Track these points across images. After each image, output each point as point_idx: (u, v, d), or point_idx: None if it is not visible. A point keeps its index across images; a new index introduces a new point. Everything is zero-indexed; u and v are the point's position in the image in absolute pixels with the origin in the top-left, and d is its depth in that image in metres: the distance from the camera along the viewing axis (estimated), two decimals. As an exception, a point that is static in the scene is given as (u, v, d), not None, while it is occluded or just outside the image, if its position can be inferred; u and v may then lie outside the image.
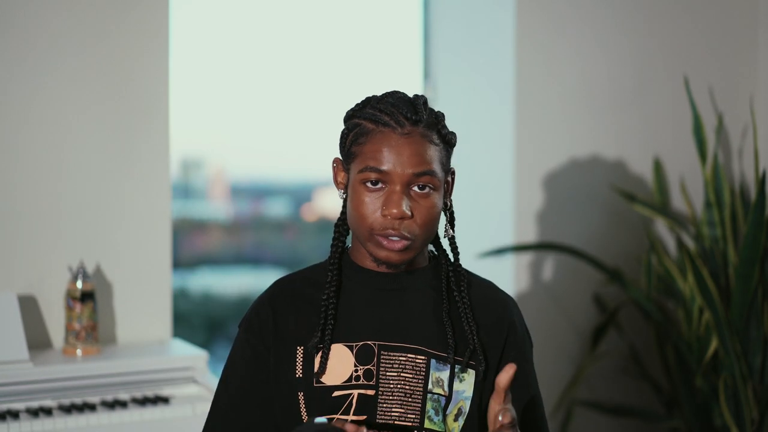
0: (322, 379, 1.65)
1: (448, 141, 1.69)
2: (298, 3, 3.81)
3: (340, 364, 1.65)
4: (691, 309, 2.99)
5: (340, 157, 1.72)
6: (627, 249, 3.37)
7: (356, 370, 1.65)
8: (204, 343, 3.54)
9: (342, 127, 1.72)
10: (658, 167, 3.36)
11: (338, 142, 1.72)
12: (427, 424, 1.64)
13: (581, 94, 3.30)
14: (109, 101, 2.65)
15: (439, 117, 1.68)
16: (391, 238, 1.62)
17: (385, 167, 1.62)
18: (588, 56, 3.30)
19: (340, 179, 1.72)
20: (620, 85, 3.36)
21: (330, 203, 4.07)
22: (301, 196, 4.22)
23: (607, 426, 3.36)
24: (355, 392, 1.64)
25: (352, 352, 1.66)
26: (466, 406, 1.67)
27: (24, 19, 2.54)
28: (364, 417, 1.63)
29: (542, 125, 3.23)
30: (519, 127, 3.18)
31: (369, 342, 1.67)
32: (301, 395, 1.65)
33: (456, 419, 1.67)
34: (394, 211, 1.61)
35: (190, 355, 2.56)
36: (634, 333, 3.36)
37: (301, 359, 1.66)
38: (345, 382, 1.65)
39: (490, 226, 3.26)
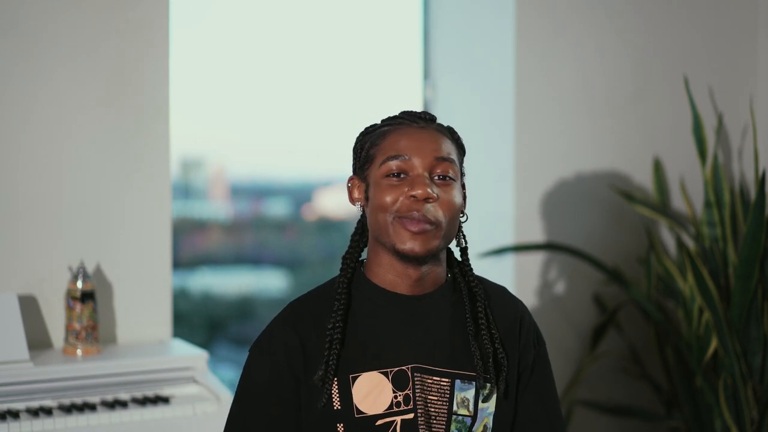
0: (362, 409, 1.63)
1: (461, 145, 1.72)
2: (299, 3, 3.81)
3: (378, 392, 1.63)
4: (691, 309, 2.99)
5: (354, 174, 1.73)
6: (627, 249, 3.37)
7: (396, 396, 1.64)
8: (204, 343, 3.54)
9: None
10: (658, 167, 3.36)
11: (352, 160, 1.74)
12: None
13: (581, 93, 3.30)
14: (109, 101, 2.65)
15: (449, 126, 1.73)
16: (416, 219, 1.60)
17: (406, 154, 1.63)
18: (588, 56, 3.30)
19: (356, 195, 1.71)
20: (620, 85, 3.36)
21: (330, 203, 4.06)
22: (301, 196, 4.21)
23: (607, 426, 3.36)
24: (398, 419, 1.63)
25: (389, 378, 1.64)
26: (490, 421, 1.68)
27: (24, 20, 2.54)
28: None
29: (542, 125, 3.23)
30: (519, 127, 3.18)
31: (403, 367, 1.65)
32: (341, 426, 1.62)
33: None
34: (419, 191, 1.60)
35: (190, 355, 2.56)
36: (634, 333, 3.36)
37: (337, 390, 1.63)
38: (387, 409, 1.63)
39: (490, 226, 3.26)
